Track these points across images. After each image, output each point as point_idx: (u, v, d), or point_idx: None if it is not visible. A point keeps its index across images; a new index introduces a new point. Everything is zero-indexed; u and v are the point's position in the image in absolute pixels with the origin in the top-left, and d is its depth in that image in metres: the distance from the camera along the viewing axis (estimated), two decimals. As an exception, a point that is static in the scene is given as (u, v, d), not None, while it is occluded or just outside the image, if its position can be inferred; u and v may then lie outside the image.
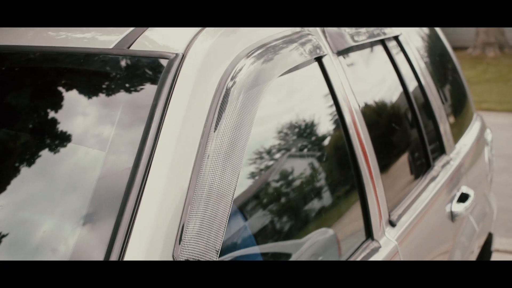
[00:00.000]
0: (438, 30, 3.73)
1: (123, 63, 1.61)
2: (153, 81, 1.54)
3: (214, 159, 1.43)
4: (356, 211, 2.07)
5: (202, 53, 1.59)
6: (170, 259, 1.31)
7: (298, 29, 1.99)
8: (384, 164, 2.31)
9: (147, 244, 1.30)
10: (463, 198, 2.94)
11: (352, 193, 2.07)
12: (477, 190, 3.26)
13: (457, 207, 2.83)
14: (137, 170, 1.39)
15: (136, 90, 1.57)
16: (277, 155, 1.78)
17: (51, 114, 1.58)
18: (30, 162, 1.52)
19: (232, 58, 1.63)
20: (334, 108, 2.05)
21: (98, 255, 1.29)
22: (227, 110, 1.50)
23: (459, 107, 3.75)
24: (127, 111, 1.52)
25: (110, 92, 1.59)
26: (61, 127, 1.54)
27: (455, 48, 4.66)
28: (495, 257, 4.32)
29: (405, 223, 2.32)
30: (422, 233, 2.46)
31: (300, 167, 1.85)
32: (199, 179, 1.40)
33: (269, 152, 1.75)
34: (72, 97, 1.62)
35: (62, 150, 1.51)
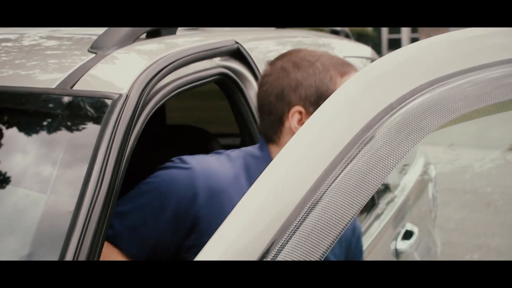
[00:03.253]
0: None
1: (65, 103, 1.59)
2: (97, 121, 1.53)
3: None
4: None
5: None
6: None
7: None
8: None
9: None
10: (408, 235, 2.96)
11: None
12: (421, 226, 3.29)
13: (402, 245, 2.85)
14: (79, 212, 1.37)
15: (79, 131, 1.55)
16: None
17: (-9, 154, 1.55)
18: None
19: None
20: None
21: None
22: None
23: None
24: (70, 152, 1.50)
25: (52, 132, 1.56)
26: (1, 168, 1.51)
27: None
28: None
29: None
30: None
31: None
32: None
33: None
34: (13, 138, 1.59)
35: (2, 192, 1.48)
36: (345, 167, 1.22)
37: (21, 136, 1.59)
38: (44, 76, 1.71)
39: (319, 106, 1.44)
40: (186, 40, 2.07)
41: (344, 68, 1.85)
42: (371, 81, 1.29)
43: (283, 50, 2.06)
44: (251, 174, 1.77)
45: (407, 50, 1.35)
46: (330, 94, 1.48)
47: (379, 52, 21.61)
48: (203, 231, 1.66)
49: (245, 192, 1.63)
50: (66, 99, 1.60)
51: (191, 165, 1.72)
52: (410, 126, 1.26)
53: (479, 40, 1.37)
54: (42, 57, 1.88)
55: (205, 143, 2.72)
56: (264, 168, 1.54)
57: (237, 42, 2.12)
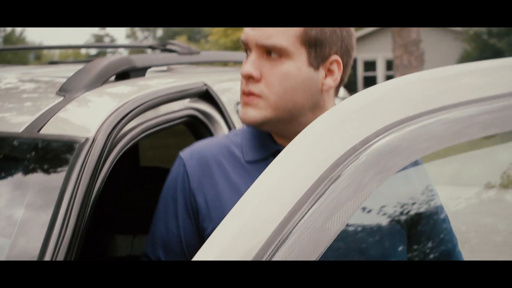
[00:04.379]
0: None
1: (32, 146, 1.59)
2: (63, 165, 1.53)
3: None
4: None
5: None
6: None
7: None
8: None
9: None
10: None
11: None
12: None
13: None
14: (43, 256, 1.37)
15: (45, 174, 1.55)
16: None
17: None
18: None
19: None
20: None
21: None
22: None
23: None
24: (36, 196, 1.50)
25: (18, 176, 1.56)
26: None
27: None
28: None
29: None
30: None
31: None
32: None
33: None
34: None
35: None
36: (312, 206, 1.21)
37: (-13, 180, 1.58)
38: (12, 119, 1.71)
39: None
40: (155, 82, 2.08)
41: None
42: (338, 121, 1.30)
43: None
44: (233, 148, 1.73)
45: (377, 90, 1.35)
46: None
47: (354, 89, 21.75)
48: (202, 206, 1.65)
49: (236, 157, 1.72)
50: (32, 143, 1.60)
51: (180, 154, 1.72)
52: (376, 166, 1.26)
53: (450, 80, 1.38)
54: (11, 99, 1.88)
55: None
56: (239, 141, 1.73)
57: (205, 84, 2.14)
